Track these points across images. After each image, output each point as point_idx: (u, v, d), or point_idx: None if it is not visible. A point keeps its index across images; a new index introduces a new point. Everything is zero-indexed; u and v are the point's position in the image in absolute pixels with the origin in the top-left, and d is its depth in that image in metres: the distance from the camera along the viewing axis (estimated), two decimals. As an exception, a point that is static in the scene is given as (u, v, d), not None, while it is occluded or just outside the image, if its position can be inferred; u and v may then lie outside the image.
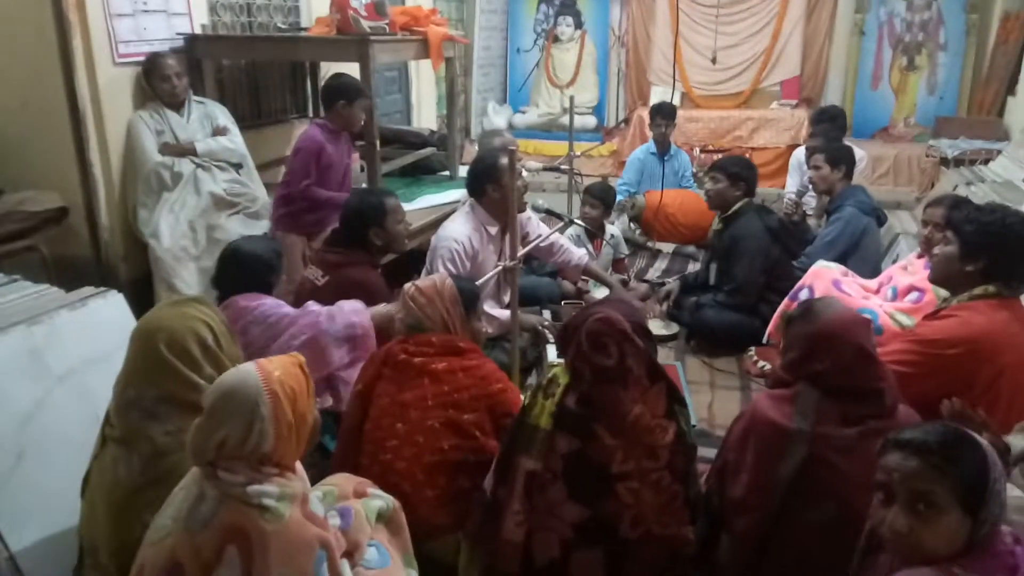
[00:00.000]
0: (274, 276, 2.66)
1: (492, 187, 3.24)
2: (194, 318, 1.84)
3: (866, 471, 1.70)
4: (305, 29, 4.29)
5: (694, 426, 2.93)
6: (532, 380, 3.21)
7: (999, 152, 5.42)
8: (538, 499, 1.78)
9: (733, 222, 3.71)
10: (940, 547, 1.31)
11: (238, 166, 3.75)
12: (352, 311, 2.65)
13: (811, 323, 1.83)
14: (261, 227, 3.72)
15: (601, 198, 4.39)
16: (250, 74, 4.48)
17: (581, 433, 1.77)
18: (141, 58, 3.58)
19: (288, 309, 2.61)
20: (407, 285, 2.30)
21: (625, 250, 4.61)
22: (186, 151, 3.56)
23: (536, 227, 3.65)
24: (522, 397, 2.17)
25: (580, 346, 1.78)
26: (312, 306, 2.65)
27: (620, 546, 1.77)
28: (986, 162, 5.42)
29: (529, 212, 3.69)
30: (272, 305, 2.58)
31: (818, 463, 1.72)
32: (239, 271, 2.59)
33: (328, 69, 4.91)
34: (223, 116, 3.82)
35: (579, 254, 3.80)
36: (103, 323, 2.48)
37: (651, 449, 1.76)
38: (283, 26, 4.46)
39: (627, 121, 7.76)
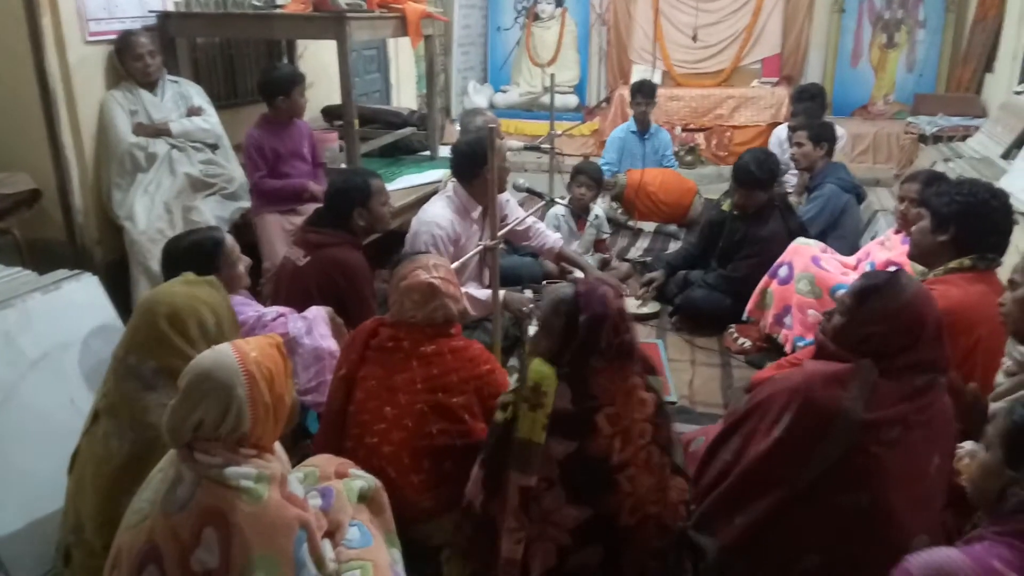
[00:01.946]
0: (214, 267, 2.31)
1: (487, 169, 3.19)
2: (200, 300, 1.86)
3: (905, 465, 1.67)
4: (281, 6, 4.22)
5: (674, 403, 2.95)
6: (514, 361, 3.21)
7: (977, 129, 5.47)
8: (533, 509, 1.73)
9: (758, 217, 3.61)
10: (972, 487, 1.43)
11: (214, 147, 3.69)
12: (321, 336, 2.49)
13: (897, 298, 1.70)
14: (237, 208, 3.68)
15: (596, 179, 4.36)
16: (225, 53, 4.40)
17: (579, 432, 1.72)
18: (113, 36, 3.50)
19: (249, 312, 2.43)
20: (431, 280, 2.14)
21: (608, 230, 4.60)
22: (161, 131, 3.49)
23: (514, 210, 3.62)
24: (509, 380, 2.16)
25: (614, 325, 1.75)
26: (271, 315, 2.46)
27: (619, 534, 1.75)
28: (964, 139, 5.46)
29: (507, 195, 3.66)
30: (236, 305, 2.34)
31: (861, 453, 1.66)
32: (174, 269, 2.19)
33: (304, 47, 4.84)
34: (198, 96, 3.76)
35: (554, 238, 3.77)
36: (77, 306, 2.45)
37: (640, 425, 1.76)
38: (258, 3, 4.38)
39: (608, 100, 7.73)
